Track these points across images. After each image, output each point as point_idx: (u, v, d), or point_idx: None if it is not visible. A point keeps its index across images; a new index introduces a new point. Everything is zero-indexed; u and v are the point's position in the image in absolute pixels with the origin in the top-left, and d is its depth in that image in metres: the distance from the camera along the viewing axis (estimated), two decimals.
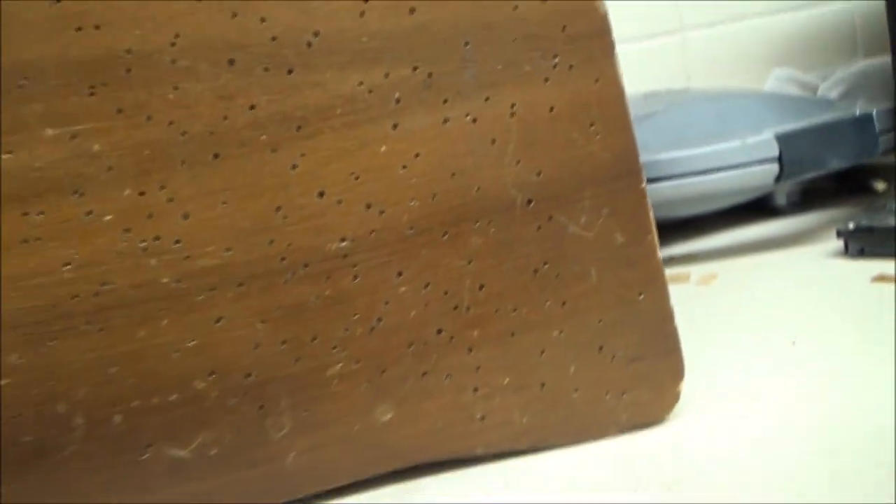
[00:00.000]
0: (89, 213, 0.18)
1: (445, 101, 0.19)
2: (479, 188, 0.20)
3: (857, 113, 0.41)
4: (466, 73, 0.19)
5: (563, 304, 0.20)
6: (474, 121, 0.19)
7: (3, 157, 0.17)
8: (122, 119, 0.18)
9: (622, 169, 0.20)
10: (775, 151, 0.39)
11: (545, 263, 0.20)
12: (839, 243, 0.37)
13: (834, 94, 0.58)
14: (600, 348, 0.21)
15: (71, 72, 0.17)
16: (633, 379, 0.21)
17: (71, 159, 0.18)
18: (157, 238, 0.18)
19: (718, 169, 0.39)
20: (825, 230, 0.43)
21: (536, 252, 0.20)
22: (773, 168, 0.39)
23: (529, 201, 0.20)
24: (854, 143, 0.40)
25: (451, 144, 0.19)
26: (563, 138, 0.20)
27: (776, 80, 0.72)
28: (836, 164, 0.40)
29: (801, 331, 0.28)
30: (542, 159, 0.20)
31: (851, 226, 0.38)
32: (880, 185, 0.51)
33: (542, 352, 0.21)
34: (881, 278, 0.34)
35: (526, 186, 0.20)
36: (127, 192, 0.18)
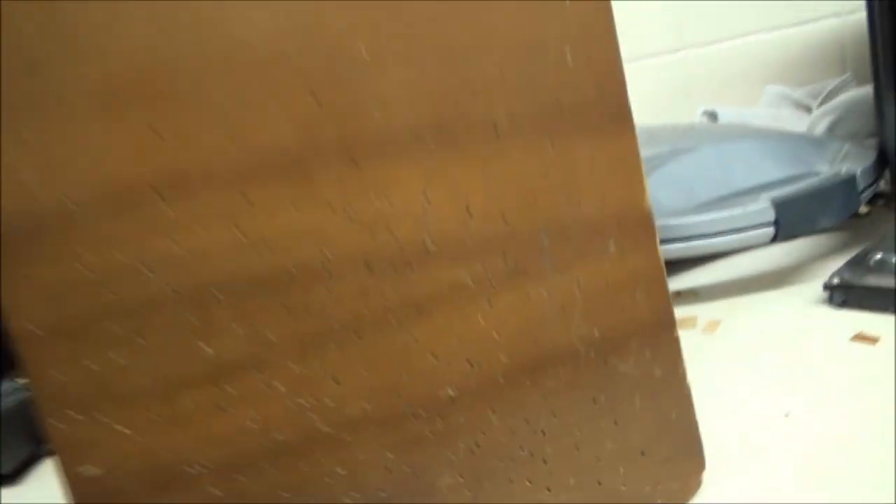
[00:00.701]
0: (268, 385, 0.24)
1: (528, 282, 0.25)
2: (552, 344, 0.26)
3: (844, 175, 0.47)
4: (545, 261, 0.25)
5: (615, 423, 0.27)
6: (549, 294, 0.25)
7: (209, 350, 0.23)
8: (289, 316, 0.23)
9: (661, 323, 0.26)
10: (772, 217, 0.45)
11: (602, 394, 0.27)
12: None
13: (823, 125, 0.64)
14: (642, 453, 0.27)
15: (253, 284, 0.23)
16: (667, 474, 0.28)
17: (254, 348, 0.23)
18: (316, 399, 0.24)
19: (721, 233, 0.45)
20: (816, 264, 0.49)
21: (595, 387, 0.26)
22: (770, 231, 0.45)
23: (590, 350, 0.26)
24: (840, 203, 0.47)
25: (531, 313, 0.25)
26: (617, 303, 0.26)
27: (770, 97, 0.77)
28: (824, 223, 0.47)
29: (794, 395, 0.35)
30: (600, 319, 0.26)
31: (836, 281, 0.44)
32: (862, 209, 0.58)
33: (598, 459, 0.27)
34: (859, 337, 0.40)
35: (588, 340, 0.26)
36: (294, 367, 0.24)
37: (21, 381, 0.31)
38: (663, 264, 0.26)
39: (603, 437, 0.27)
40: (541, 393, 0.26)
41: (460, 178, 0.24)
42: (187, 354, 0.23)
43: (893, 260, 0.43)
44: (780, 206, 0.45)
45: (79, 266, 0.22)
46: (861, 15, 0.58)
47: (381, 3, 0.22)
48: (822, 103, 0.68)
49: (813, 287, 0.45)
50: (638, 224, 0.25)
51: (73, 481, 0.23)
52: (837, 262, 0.45)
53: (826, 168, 0.50)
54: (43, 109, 0.21)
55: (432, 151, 0.23)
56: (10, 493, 0.43)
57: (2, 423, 0.44)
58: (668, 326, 0.26)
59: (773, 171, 0.51)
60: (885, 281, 0.42)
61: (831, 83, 0.71)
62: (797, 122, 0.68)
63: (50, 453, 0.35)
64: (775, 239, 0.45)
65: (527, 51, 0.23)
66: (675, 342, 0.27)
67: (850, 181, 0.47)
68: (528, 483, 0.27)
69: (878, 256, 0.45)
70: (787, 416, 0.33)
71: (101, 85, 0.21)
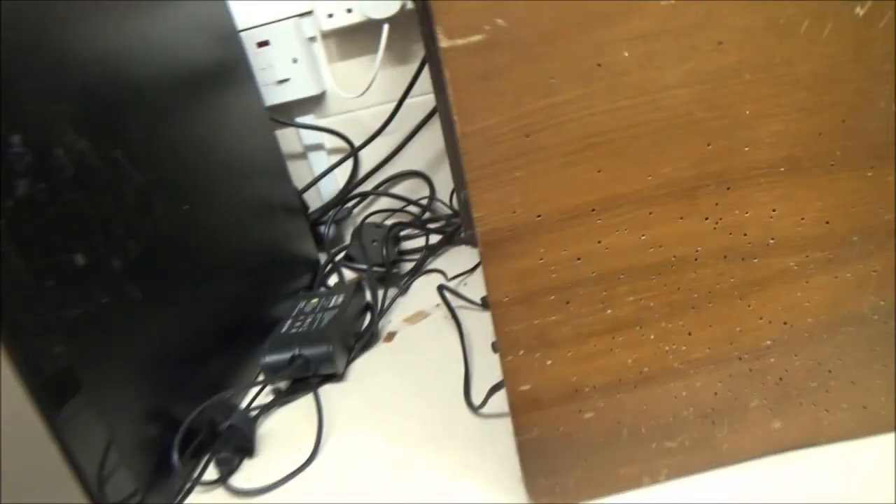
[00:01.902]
0: (644, 335, 0.34)
1: (837, 267, 0.34)
2: (847, 311, 0.35)
3: None
4: (853, 253, 0.34)
5: (884, 365, 0.36)
6: (852, 275, 0.34)
7: (609, 312, 0.34)
8: (666, 290, 0.34)
9: None
10: None
11: (878, 346, 0.36)
12: None
13: None
14: None
15: (645, 270, 0.33)
16: None
17: (639, 311, 0.34)
18: (674, 345, 0.35)
19: None
20: None
21: (875, 340, 0.36)
22: None
23: (875, 314, 0.35)
24: None
25: (836, 289, 0.34)
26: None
27: None
28: None
29: None
30: (886, 293, 0.35)
31: None
32: None
33: (867, 391, 0.37)
34: None
35: (874, 308, 0.35)
36: (663, 324, 0.34)
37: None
38: None
39: (873, 376, 0.36)
40: (833, 344, 0.36)
41: (800, 196, 0.32)
42: (595, 315, 0.34)
43: None
44: None
45: (537, 259, 0.33)
46: None
47: (763, 77, 0.30)
48: None
49: None
50: None
51: (513, 393, 0.35)
52: None
53: None
54: (531, 158, 0.31)
55: (782, 177, 0.32)
56: (337, 387, 0.58)
57: (335, 336, 0.58)
58: None
59: None
60: None
61: None
62: None
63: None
64: None
65: (864, 105, 0.31)
66: None
67: None
68: (812, 405, 0.37)
69: None
70: None
71: (573, 144, 0.30)
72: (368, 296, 0.69)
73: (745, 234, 0.33)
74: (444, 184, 0.90)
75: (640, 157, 0.31)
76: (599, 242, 0.33)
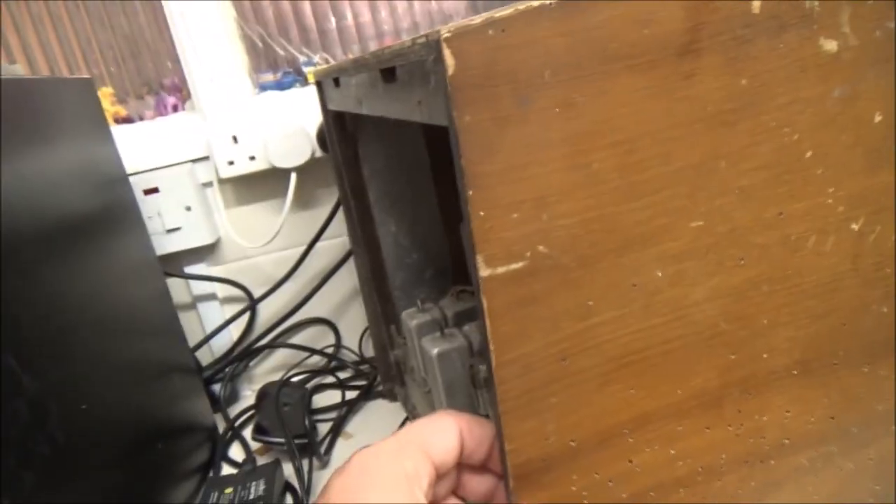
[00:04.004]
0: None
1: (840, 459, 0.34)
2: (848, 499, 0.35)
3: None
4: (853, 443, 0.34)
5: None
6: (853, 465, 0.35)
7: None
8: (692, 499, 0.32)
9: None
10: None
11: None
12: None
13: None
14: None
15: (674, 485, 0.31)
16: None
17: None
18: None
19: None
20: None
21: None
22: None
23: (871, 500, 0.36)
24: None
25: (842, 481, 0.35)
26: None
27: None
28: None
29: None
30: (882, 476, 0.35)
31: None
32: None
33: None
34: None
35: (873, 492, 0.36)
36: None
37: None
38: None
39: None
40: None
41: (809, 396, 0.33)
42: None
43: None
44: None
45: (570, 486, 0.30)
46: None
47: (778, 288, 0.31)
48: None
49: None
50: None
51: None
52: None
53: None
54: (567, 383, 0.28)
55: (795, 380, 0.32)
56: None
57: None
58: None
59: None
60: None
61: None
62: None
63: None
64: None
65: (860, 309, 0.32)
66: None
67: None
68: None
69: None
70: None
71: (609, 365, 0.29)
72: (286, 471, 0.61)
73: (764, 437, 0.32)
74: (350, 329, 0.85)
75: (671, 372, 0.30)
76: (631, 462, 0.30)
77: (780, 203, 0.30)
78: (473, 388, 0.50)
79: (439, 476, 0.31)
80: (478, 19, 0.23)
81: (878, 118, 0.30)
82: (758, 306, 0.31)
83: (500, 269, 0.26)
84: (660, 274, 0.29)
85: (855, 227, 0.31)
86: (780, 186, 0.29)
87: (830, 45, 0.29)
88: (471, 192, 0.25)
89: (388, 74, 0.33)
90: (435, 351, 0.49)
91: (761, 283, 0.30)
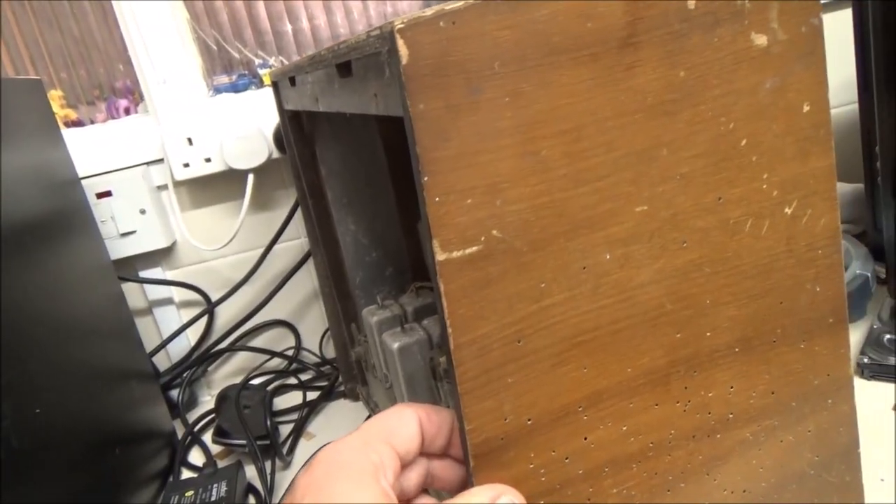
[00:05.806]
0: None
1: (781, 432, 0.36)
2: (790, 470, 0.37)
3: (859, 279, 0.62)
4: (792, 417, 0.36)
5: None
6: (793, 438, 0.37)
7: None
8: (645, 474, 0.33)
9: None
10: None
11: None
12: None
13: None
14: None
15: (626, 460, 0.33)
16: None
17: (619, 501, 0.33)
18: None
19: None
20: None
21: None
22: None
23: (811, 471, 0.38)
24: (856, 303, 0.61)
25: (783, 452, 0.37)
26: None
27: None
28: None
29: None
30: (820, 447, 0.38)
31: (866, 360, 0.58)
32: None
33: None
34: None
35: (812, 462, 0.38)
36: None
37: None
38: None
39: None
40: (782, 502, 0.37)
41: (751, 372, 0.34)
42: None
43: None
44: None
45: (528, 464, 0.31)
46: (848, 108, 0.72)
47: (719, 269, 0.32)
48: None
49: None
50: None
51: None
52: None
53: None
54: (523, 363, 0.29)
55: (737, 357, 0.34)
56: None
57: None
58: None
59: None
60: None
61: None
62: None
63: None
64: None
65: (795, 288, 0.34)
66: None
67: (864, 284, 0.62)
68: None
69: (889, 337, 0.60)
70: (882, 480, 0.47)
71: (562, 345, 0.30)
72: (248, 473, 0.61)
73: (710, 413, 0.34)
74: (310, 331, 0.85)
75: (620, 350, 0.31)
76: (586, 439, 0.32)
77: (718, 189, 0.31)
78: (434, 381, 0.51)
79: (403, 466, 0.32)
80: (429, 11, 0.24)
81: (806, 108, 0.32)
82: (700, 287, 0.32)
83: (456, 254, 0.27)
84: (608, 257, 0.30)
85: (788, 210, 0.33)
86: (718, 173, 0.31)
87: (761, 40, 0.30)
88: (426, 179, 0.26)
89: (344, 69, 0.34)
90: (395, 345, 0.50)
91: (703, 264, 0.32)
